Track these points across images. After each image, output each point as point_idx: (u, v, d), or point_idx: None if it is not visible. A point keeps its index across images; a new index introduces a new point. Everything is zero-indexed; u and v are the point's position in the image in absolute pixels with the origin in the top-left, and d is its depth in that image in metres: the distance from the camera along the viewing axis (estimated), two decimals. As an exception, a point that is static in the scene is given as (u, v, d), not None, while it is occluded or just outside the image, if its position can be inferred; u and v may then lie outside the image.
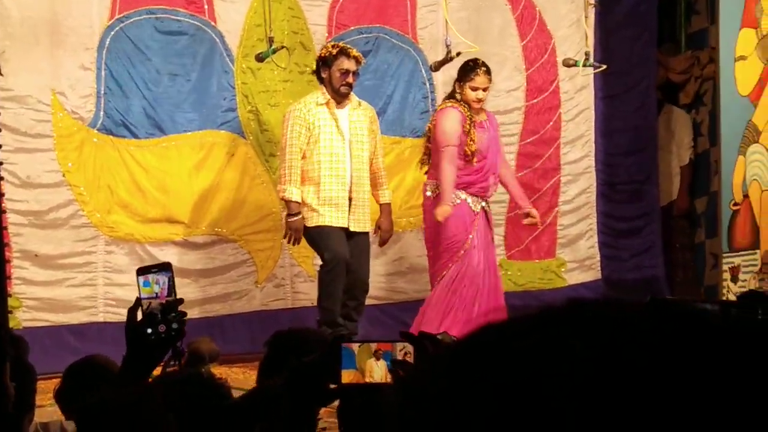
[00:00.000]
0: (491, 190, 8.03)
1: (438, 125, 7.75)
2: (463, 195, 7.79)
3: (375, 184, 8.03)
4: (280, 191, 7.76)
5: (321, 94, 7.78)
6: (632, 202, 10.12)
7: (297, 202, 7.64)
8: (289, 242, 7.80)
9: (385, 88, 9.07)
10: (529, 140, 9.67)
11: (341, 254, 7.59)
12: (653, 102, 10.20)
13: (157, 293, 2.88)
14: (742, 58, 9.18)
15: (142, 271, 2.92)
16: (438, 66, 8.24)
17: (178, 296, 2.91)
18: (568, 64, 8.79)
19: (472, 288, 7.77)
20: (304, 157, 7.70)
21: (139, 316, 2.87)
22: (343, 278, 7.62)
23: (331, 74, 7.73)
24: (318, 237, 7.68)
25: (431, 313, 7.73)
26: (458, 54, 7.94)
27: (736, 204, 9.15)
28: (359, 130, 7.84)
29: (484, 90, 7.81)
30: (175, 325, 2.85)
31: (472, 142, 7.71)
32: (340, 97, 7.77)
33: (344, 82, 7.73)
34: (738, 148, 9.13)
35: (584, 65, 8.66)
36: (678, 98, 10.50)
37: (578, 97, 9.94)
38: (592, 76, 9.76)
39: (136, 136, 8.36)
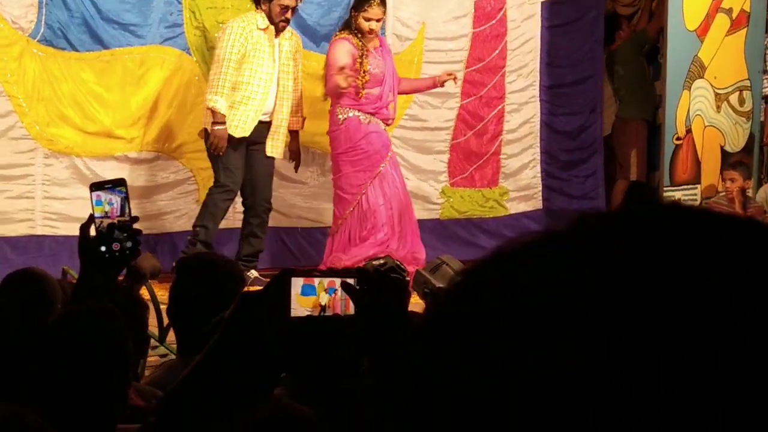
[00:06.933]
0: (392, 117, 8.27)
1: (328, 56, 7.99)
2: (374, 120, 8.03)
3: (292, 111, 8.23)
4: (209, 101, 7.82)
5: (261, 18, 7.89)
6: (575, 133, 10.15)
7: (223, 114, 7.77)
8: (213, 151, 7.89)
9: (335, 11, 8.97)
10: (474, 68, 9.65)
11: (237, 183, 7.94)
12: (600, 32, 10.20)
13: (107, 212, 2.84)
14: (691, -8, 9.20)
15: (95, 187, 2.88)
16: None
17: (132, 214, 2.87)
18: (519, -8, 8.76)
19: (388, 207, 8.01)
20: (238, 76, 7.84)
21: (93, 232, 2.84)
22: (229, 205, 8.00)
23: (271, 8, 7.84)
24: (222, 157, 7.86)
25: (349, 234, 7.99)
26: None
27: (678, 138, 9.22)
28: (287, 59, 8.05)
29: (378, 21, 8.02)
30: (129, 244, 2.81)
31: (365, 73, 7.93)
32: (275, 30, 7.94)
33: (283, 17, 7.89)
34: (683, 83, 9.17)
35: (533, -7, 8.64)
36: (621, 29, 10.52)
37: (525, 25, 9.91)
38: (539, 5, 9.73)
39: (75, 49, 8.22)
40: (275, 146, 8.11)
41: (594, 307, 0.62)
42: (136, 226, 2.87)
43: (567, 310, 0.62)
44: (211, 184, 8.53)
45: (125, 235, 2.81)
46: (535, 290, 0.64)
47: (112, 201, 2.85)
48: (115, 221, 2.83)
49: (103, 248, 2.80)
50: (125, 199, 2.86)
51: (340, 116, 8.01)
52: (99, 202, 2.85)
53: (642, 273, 0.63)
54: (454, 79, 8.35)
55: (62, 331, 2.68)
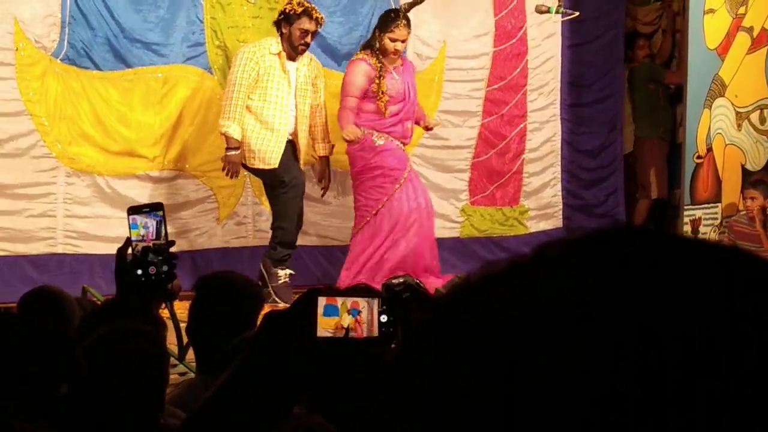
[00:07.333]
0: (409, 137, 8.25)
1: (346, 75, 8.03)
2: (388, 139, 8.02)
3: (315, 138, 8.30)
4: (221, 126, 7.90)
5: (276, 43, 7.96)
6: (597, 152, 10.14)
7: (236, 139, 7.84)
8: (227, 175, 7.98)
9: (355, 29, 9.00)
10: (495, 86, 9.66)
11: (300, 178, 8.01)
12: (621, 51, 10.20)
13: (143, 236, 2.86)
14: (711, 11, 9.18)
15: (132, 211, 2.90)
16: (409, 7, 8.27)
17: (169, 238, 2.89)
18: (541, 10, 8.75)
19: (406, 223, 7.98)
20: (250, 99, 7.91)
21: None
22: (299, 202, 8.03)
23: (291, 31, 7.91)
24: (277, 167, 7.92)
25: (369, 249, 7.99)
26: (430, -4, 7.97)
27: (699, 157, 9.19)
28: (305, 84, 8.09)
29: (403, 42, 8.02)
30: (165, 267, 2.83)
31: (383, 94, 7.93)
32: (294, 54, 7.99)
33: (302, 42, 7.95)
34: (704, 102, 9.15)
35: (557, 12, 8.62)
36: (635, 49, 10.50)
37: (545, 44, 9.92)
38: (559, 23, 9.73)
39: (99, 68, 8.26)
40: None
41: (598, 312, 0.63)
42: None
43: (571, 314, 0.63)
44: (234, 200, 8.59)
45: (160, 258, 2.83)
46: (538, 296, 0.65)
47: (147, 224, 2.87)
48: (150, 245, 2.85)
49: (139, 271, 2.82)
50: (161, 223, 2.88)
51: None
52: (135, 226, 2.88)
53: (646, 279, 0.64)
54: (430, 128, 8.46)
55: (103, 350, 2.70)
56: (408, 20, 8.02)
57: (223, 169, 7.93)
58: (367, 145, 7.97)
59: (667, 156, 10.27)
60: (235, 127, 7.81)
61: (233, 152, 7.83)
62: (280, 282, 7.71)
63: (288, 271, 7.95)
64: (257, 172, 8.05)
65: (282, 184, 7.94)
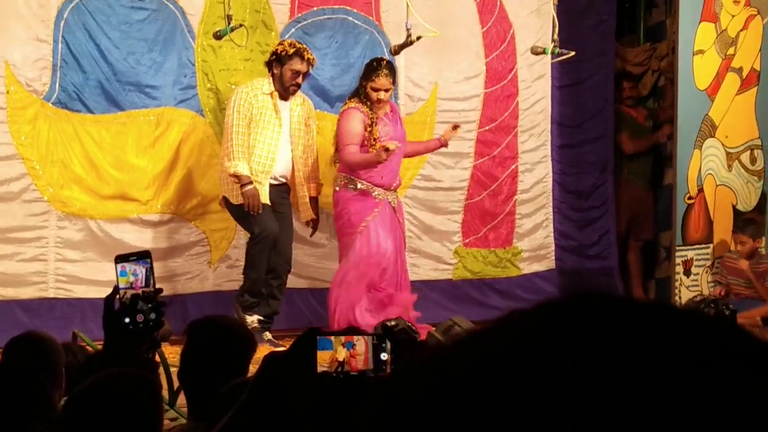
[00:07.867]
0: (396, 182, 8.25)
1: (340, 126, 8.00)
2: (365, 185, 8.03)
3: (307, 177, 8.30)
4: (229, 167, 7.90)
5: (267, 84, 8.01)
6: (588, 193, 10.14)
7: (247, 175, 7.86)
8: (247, 209, 7.92)
9: (347, 71, 9.02)
10: (487, 128, 9.68)
11: (271, 229, 7.97)
12: (610, 92, 10.23)
13: (131, 283, 2.86)
14: (701, 52, 9.24)
15: (119, 259, 2.91)
16: (398, 50, 8.28)
17: (156, 285, 2.89)
18: (537, 52, 8.78)
19: (376, 268, 8.02)
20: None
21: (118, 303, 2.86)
22: (269, 251, 8.02)
23: (283, 72, 7.97)
24: (249, 213, 7.92)
25: (341, 292, 8.04)
26: (418, 38, 8.01)
27: (690, 198, 9.21)
28: (299, 124, 8.15)
29: (386, 91, 8.00)
30: (152, 315, 2.83)
31: (375, 142, 7.90)
32: (286, 94, 8.04)
33: (294, 82, 8.02)
34: (694, 142, 9.19)
35: (552, 53, 8.64)
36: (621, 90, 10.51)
37: (535, 85, 9.95)
38: (549, 65, 9.77)
39: (91, 111, 8.26)
40: (300, 211, 8.30)
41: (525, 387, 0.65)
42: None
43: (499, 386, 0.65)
44: (226, 243, 8.58)
45: (149, 306, 2.82)
46: (480, 364, 0.67)
47: (136, 272, 2.88)
48: (139, 292, 2.85)
49: (127, 320, 2.81)
50: (150, 270, 2.89)
51: (336, 186, 8.11)
52: (123, 273, 2.88)
53: (578, 357, 0.66)
54: (458, 126, 8.36)
55: (98, 395, 2.69)
56: (391, 68, 8.03)
57: (246, 207, 7.88)
58: (341, 193, 8.07)
59: (637, 196, 10.26)
60: (243, 164, 7.84)
61: (249, 186, 7.84)
62: (250, 327, 7.68)
63: (256, 317, 7.99)
64: (236, 213, 8.06)
65: (252, 235, 8.02)
